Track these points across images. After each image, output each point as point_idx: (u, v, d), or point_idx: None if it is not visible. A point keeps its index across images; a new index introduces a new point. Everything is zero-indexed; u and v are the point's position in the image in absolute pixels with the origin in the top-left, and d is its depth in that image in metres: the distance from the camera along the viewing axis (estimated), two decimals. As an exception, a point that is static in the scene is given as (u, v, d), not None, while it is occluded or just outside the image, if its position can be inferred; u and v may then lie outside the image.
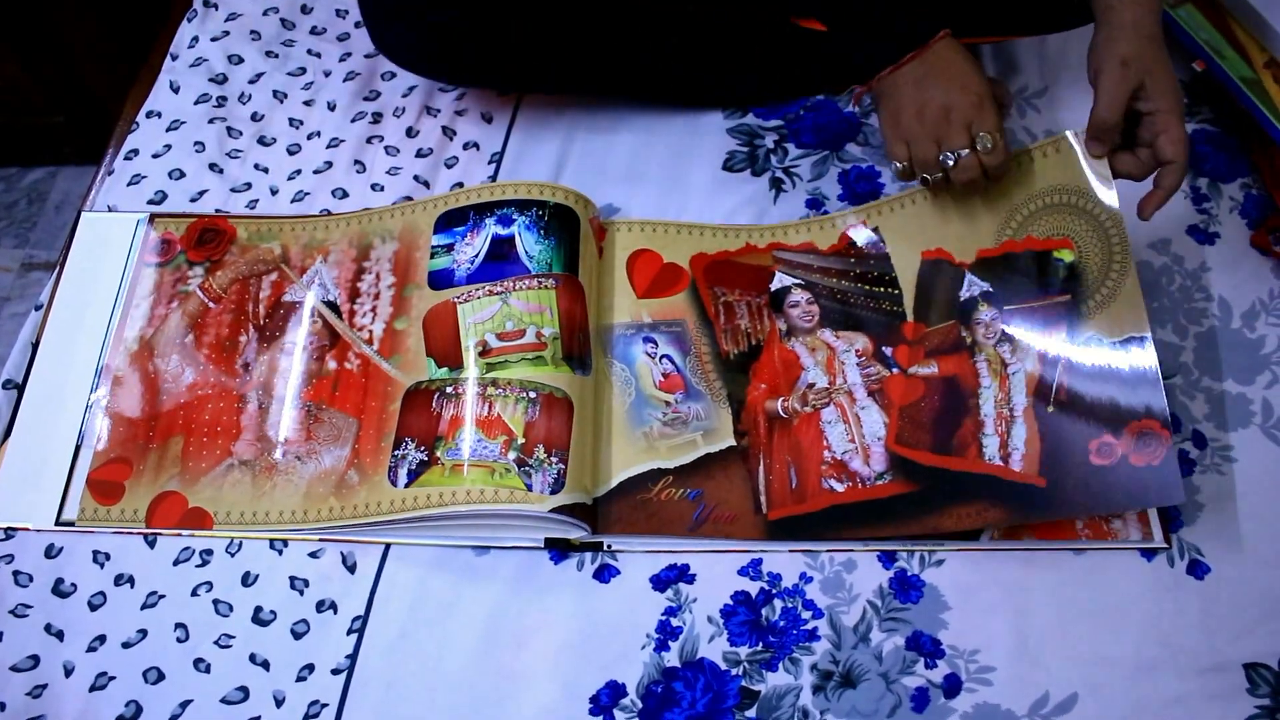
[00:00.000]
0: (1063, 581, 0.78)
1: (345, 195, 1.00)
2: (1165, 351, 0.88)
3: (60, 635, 0.78)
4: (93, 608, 0.79)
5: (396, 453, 0.81)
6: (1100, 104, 0.79)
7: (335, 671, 0.76)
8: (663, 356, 0.88)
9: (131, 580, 0.80)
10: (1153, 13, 0.79)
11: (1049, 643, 0.75)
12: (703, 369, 0.88)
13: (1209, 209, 0.96)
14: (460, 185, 1.00)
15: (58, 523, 0.82)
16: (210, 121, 1.05)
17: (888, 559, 0.80)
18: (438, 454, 0.80)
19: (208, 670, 0.77)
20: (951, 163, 0.82)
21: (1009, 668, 0.75)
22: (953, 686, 0.74)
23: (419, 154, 1.02)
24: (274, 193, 1.00)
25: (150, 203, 0.99)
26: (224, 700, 0.75)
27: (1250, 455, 0.83)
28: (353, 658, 0.77)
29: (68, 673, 0.77)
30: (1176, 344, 0.89)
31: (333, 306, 0.91)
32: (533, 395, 0.81)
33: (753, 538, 0.81)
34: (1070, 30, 1.00)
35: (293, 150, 1.03)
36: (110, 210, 0.99)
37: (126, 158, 1.03)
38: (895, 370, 0.85)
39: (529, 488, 0.77)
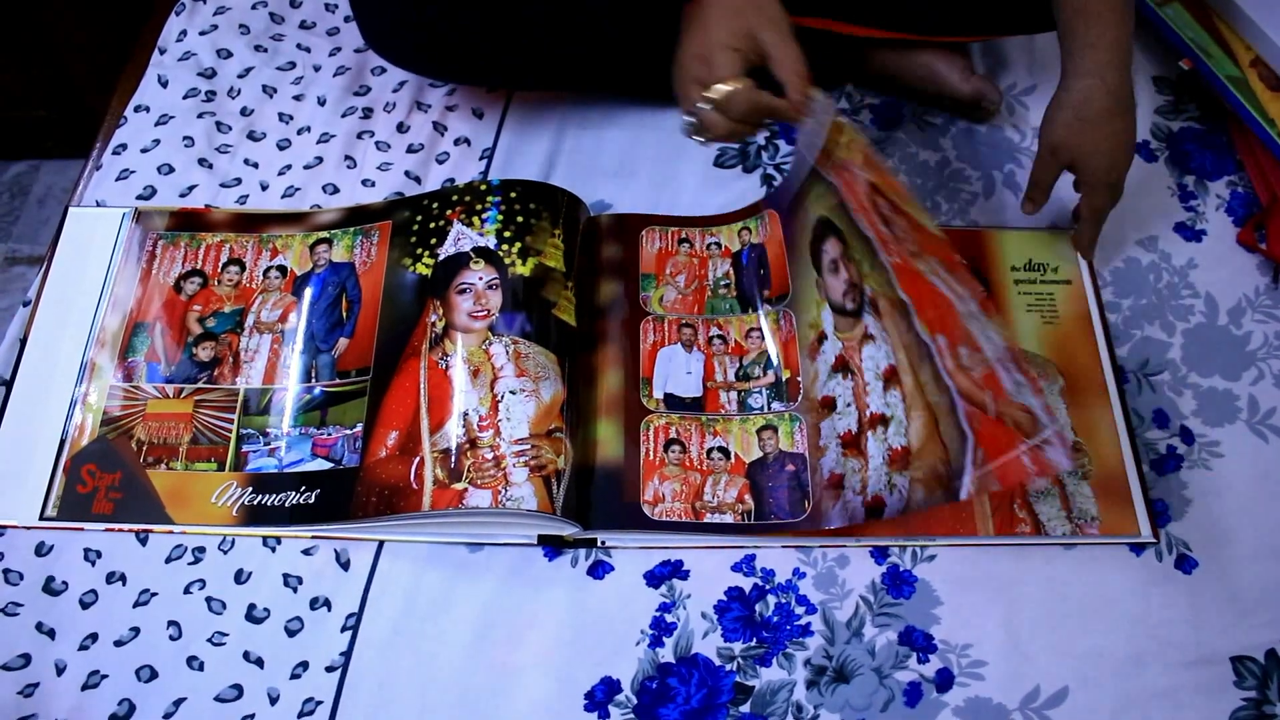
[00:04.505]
0: (1053, 576, 0.79)
1: (336, 191, 0.99)
2: (1152, 348, 0.89)
3: (51, 634, 0.78)
4: (84, 606, 0.79)
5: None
6: (1030, 180, 0.90)
7: (330, 669, 0.76)
8: None
9: (123, 578, 0.80)
10: (1102, 88, 0.82)
11: (1039, 637, 0.76)
12: None
13: (1196, 206, 0.97)
14: (452, 181, 0.99)
15: (43, 518, 0.81)
16: (199, 116, 1.04)
17: (880, 554, 0.80)
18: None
19: (201, 668, 0.76)
20: (693, 120, 0.80)
21: (1000, 662, 0.75)
22: (945, 681, 0.75)
23: (410, 149, 1.02)
24: (264, 188, 1.00)
25: (139, 198, 0.98)
26: (218, 698, 0.75)
27: (1237, 450, 0.84)
28: (347, 655, 0.77)
29: (59, 671, 0.76)
30: (1164, 340, 0.89)
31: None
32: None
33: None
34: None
35: (283, 145, 1.03)
36: (99, 205, 0.98)
37: (115, 152, 1.02)
38: None
39: (523, 484, 0.77)
